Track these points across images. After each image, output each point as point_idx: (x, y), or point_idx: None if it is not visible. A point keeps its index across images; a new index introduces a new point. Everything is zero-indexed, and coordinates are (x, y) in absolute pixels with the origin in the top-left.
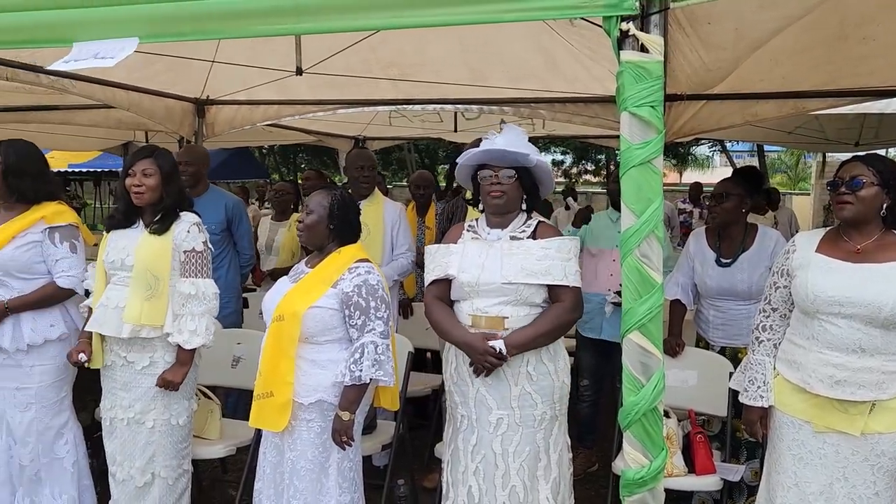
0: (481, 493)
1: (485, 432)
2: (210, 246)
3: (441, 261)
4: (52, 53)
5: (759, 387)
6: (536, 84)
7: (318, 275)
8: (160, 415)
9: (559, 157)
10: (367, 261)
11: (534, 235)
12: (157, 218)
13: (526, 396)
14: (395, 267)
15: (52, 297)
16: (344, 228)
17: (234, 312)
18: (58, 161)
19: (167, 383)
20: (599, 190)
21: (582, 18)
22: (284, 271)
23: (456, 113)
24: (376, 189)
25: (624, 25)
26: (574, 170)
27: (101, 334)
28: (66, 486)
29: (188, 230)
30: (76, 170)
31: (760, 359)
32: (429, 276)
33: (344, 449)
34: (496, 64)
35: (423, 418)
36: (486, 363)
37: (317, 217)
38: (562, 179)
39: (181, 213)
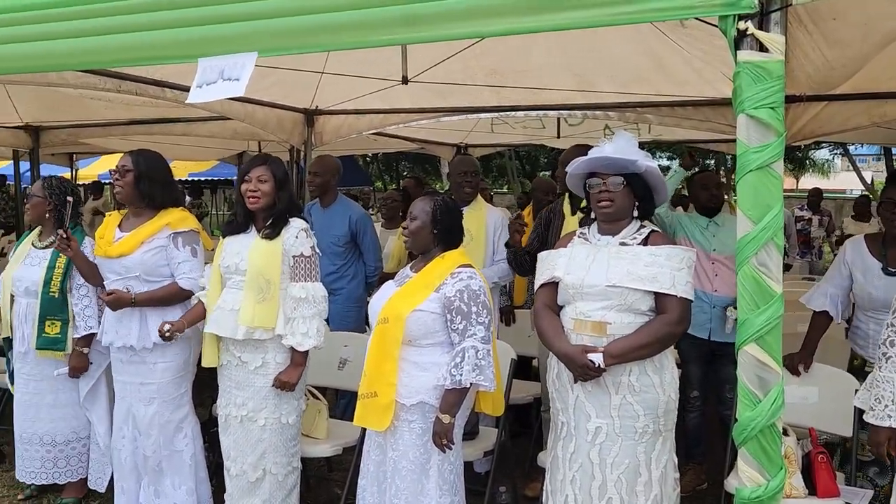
0: (577, 503)
1: (582, 440)
2: (318, 251)
3: (549, 264)
4: (174, 69)
5: (886, 405)
6: (644, 88)
7: (422, 279)
8: (271, 413)
9: (665, 162)
10: (469, 266)
11: (645, 243)
12: (268, 223)
13: (627, 407)
14: (496, 270)
15: (174, 295)
16: (447, 233)
17: (353, 322)
18: (179, 170)
19: (283, 384)
20: None
21: (695, 18)
22: (391, 276)
23: (559, 119)
24: (479, 196)
25: (742, 24)
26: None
27: (217, 335)
28: (185, 477)
29: (296, 235)
30: (195, 178)
31: (888, 376)
32: (538, 281)
33: (444, 451)
34: (601, 69)
35: (525, 426)
36: (583, 378)
37: (421, 223)
38: None
39: (290, 219)
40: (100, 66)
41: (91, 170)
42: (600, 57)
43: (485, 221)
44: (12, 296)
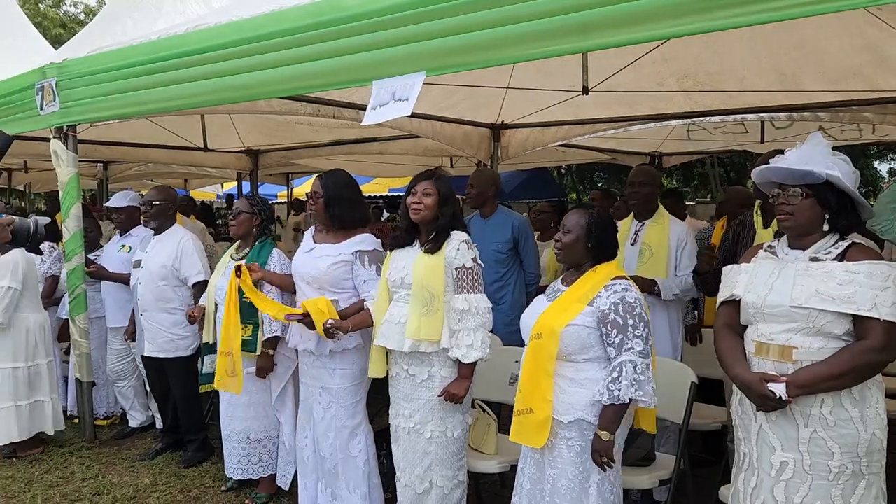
0: None
1: (765, 475)
2: (480, 262)
3: (730, 280)
4: (367, 92)
5: None
6: (859, 84)
7: (575, 293)
8: (437, 426)
9: None
10: (623, 277)
11: (842, 258)
12: (430, 237)
13: (818, 442)
14: (677, 282)
15: (368, 315)
16: (601, 247)
17: (518, 331)
18: (380, 186)
19: (451, 396)
20: None
21: None
22: (543, 290)
23: (763, 122)
24: (661, 207)
25: None
26: None
27: (384, 347)
28: (359, 482)
29: (458, 248)
30: (395, 193)
31: None
32: (719, 298)
33: (604, 470)
34: (809, 65)
35: (713, 455)
36: (763, 408)
37: (575, 236)
38: None
39: (452, 232)
40: (296, 92)
41: (304, 188)
42: (806, 53)
43: (667, 235)
44: (216, 304)
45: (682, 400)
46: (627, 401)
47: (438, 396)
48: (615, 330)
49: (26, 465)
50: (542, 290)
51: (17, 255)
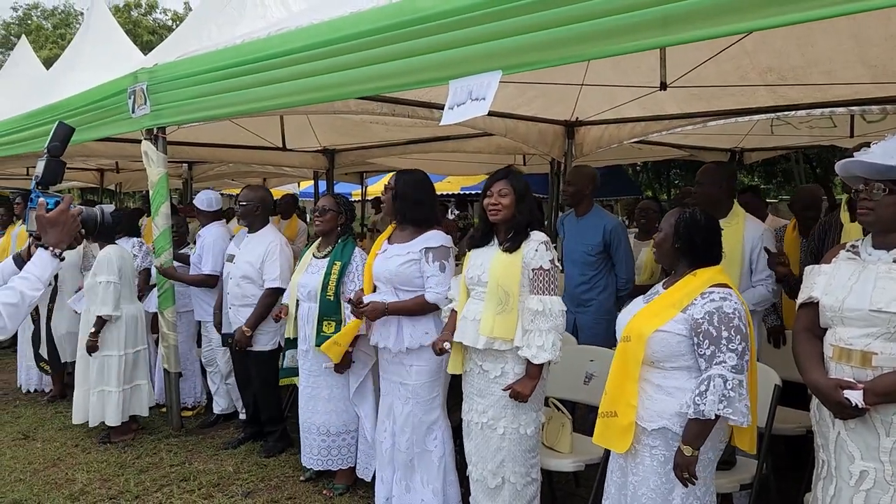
0: None
1: (844, 484)
2: (558, 265)
3: (809, 282)
4: (441, 91)
5: None
6: None
7: (669, 297)
8: (510, 423)
9: None
10: (725, 286)
11: None
12: (509, 236)
13: None
14: (751, 295)
15: (421, 307)
16: (692, 249)
17: (602, 334)
18: (452, 185)
19: (516, 394)
20: None
21: None
22: (642, 290)
23: (853, 116)
24: (736, 207)
25: None
26: None
27: (462, 343)
28: (433, 477)
29: (536, 249)
30: (467, 192)
31: None
32: (798, 300)
33: (686, 486)
34: None
35: (797, 460)
36: (840, 416)
37: (664, 235)
38: None
39: (531, 232)
40: (374, 92)
41: (377, 186)
42: None
43: (741, 237)
44: (297, 300)
45: (764, 403)
46: (713, 417)
47: (503, 390)
48: (707, 341)
49: (119, 451)
50: (639, 290)
51: (111, 250)
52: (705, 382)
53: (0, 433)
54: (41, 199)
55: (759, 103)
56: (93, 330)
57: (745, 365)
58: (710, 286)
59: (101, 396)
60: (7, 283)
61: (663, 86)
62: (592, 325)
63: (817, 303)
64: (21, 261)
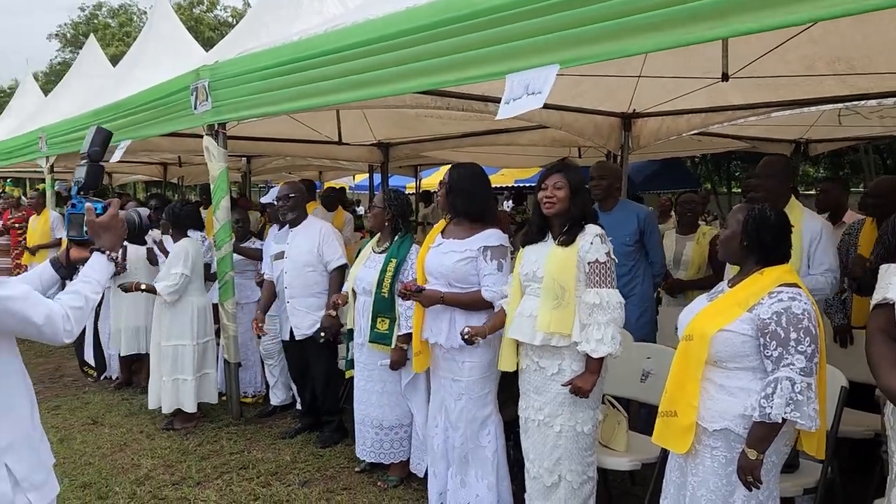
0: None
1: None
2: (614, 257)
3: (884, 281)
4: (498, 84)
5: None
6: None
7: (735, 296)
8: (567, 421)
9: None
10: (794, 285)
11: None
12: (564, 230)
13: None
14: (810, 281)
15: (476, 302)
16: (761, 247)
17: (648, 322)
18: (506, 177)
19: (577, 389)
20: None
21: None
22: (691, 284)
23: None
24: (793, 200)
25: None
26: None
27: (516, 340)
28: (487, 471)
29: (591, 241)
30: (521, 185)
31: None
32: (872, 300)
33: (749, 490)
34: None
35: (865, 463)
36: None
37: (730, 232)
38: None
39: (586, 226)
40: (431, 87)
41: (432, 179)
42: None
43: (799, 231)
44: (354, 291)
45: (830, 404)
46: (780, 420)
47: (563, 386)
48: (774, 342)
49: (182, 437)
50: (685, 285)
51: (186, 243)
52: (772, 385)
53: (71, 418)
54: (89, 205)
55: (827, 93)
56: (144, 286)
57: (815, 368)
58: (779, 285)
59: (175, 385)
60: (69, 287)
61: (725, 77)
62: (639, 315)
63: (893, 304)
64: (59, 266)
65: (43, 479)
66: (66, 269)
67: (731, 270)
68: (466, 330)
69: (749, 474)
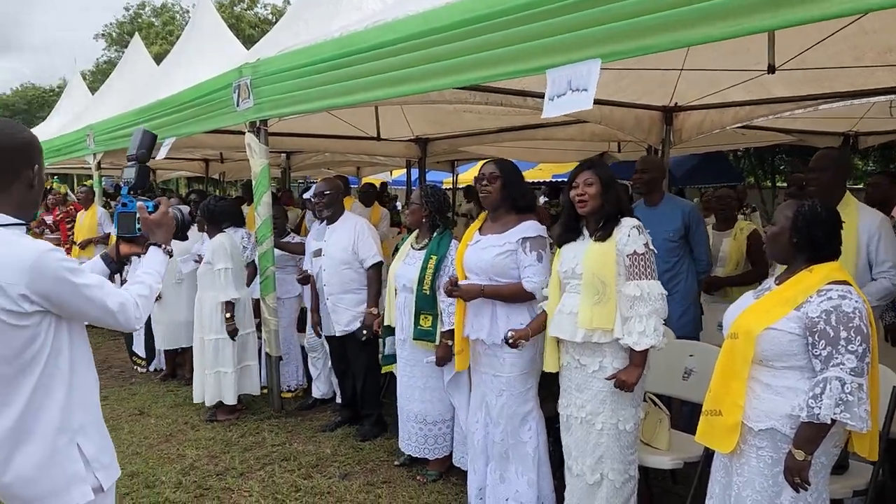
0: None
1: None
2: (653, 248)
3: None
4: (536, 78)
5: None
6: None
7: (782, 294)
8: (608, 418)
9: None
10: (844, 283)
11: None
12: (600, 225)
13: None
14: (872, 290)
15: (517, 294)
16: (811, 244)
17: (692, 321)
18: (544, 172)
19: (622, 383)
20: None
21: None
22: (728, 281)
23: None
24: (848, 195)
25: None
26: None
27: (556, 339)
28: (528, 468)
29: (628, 234)
30: (558, 179)
31: None
32: None
33: (797, 491)
34: None
35: None
36: None
37: (779, 228)
38: None
39: (622, 219)
40: (471, 82)
41: (469, 174)
42: None
43: (855, 227)
44: (395, 289)
45: (882, 405)
46: (829, 421)
47: (607, 379)
48: (823, 341)
49: (225, 429)
50: (723, 282)
51: (223, 238)
52: (821, 385)
53: (119, 408)
54: (141, 204)
55: (878, 84)
56: (227, 316)
57: (866, 368)
58: (828, 283)
59: (217, 377)
60: (134, 278)
61: (771, 69)
62: (681, 313)
63: None
64: (110, 261)
65: (109, 460)
66: (116, 264)
67: (779, 268)
68: (510, 334)
69: (796, 475)
